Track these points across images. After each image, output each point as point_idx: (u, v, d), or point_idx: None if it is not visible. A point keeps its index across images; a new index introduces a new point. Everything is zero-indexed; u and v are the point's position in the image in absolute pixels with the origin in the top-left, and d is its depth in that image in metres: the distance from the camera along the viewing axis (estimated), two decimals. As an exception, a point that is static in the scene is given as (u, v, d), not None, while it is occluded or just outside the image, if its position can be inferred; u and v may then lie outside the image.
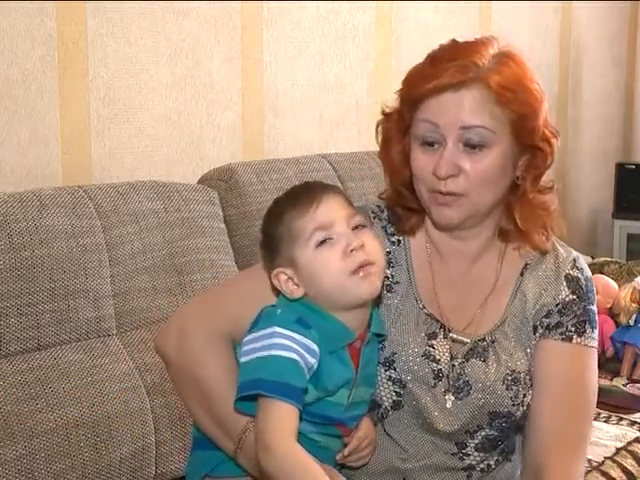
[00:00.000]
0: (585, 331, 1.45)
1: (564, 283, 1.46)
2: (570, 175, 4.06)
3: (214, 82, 2.50)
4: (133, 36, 2.28)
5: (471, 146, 1.34)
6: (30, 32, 2.08)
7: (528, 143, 1.38)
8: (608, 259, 3.26)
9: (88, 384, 1.84)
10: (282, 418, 1.24)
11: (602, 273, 2.96)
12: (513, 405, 1.41)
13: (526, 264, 1.47)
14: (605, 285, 2.76)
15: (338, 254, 1.29)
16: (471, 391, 1.41)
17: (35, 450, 1.73)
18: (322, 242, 1.30)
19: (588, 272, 1.50)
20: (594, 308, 1.48)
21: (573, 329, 1.44)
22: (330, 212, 1.31)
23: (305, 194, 1.33)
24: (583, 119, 4.08)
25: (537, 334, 1.45)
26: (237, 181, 2.31)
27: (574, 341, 1.44)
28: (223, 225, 2.24)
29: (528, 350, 1.44)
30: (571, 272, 1.47)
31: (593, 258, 3.36)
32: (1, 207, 1.82)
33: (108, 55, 2.23)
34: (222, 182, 2.32)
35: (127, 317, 1.98)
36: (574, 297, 1.46)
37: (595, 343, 1.47)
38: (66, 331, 1.87)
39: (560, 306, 1.45)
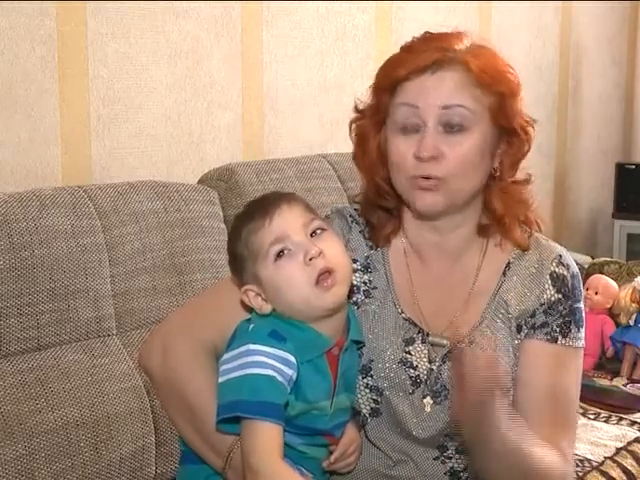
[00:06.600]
0: (570, 331, 1.42)
1: (549, 282, 1.42)
2: (570, 175, 4.06)
3: (214, 82, 2.50)
4: (133, 36, 2.28)
5: (451, 126, 1.33)
6: (30, 32, 2.07)
7: (506, 126, 1.37)
8: (608, 259, 3.26)
9: (88, 384, 1.84)
10: (266, 438, 1.23)
11: (602, 273, 2.95)
12: None
13: (508, 263, 1.44)
14: (605, 285, 2.76)
15: (298, 265, 1.28)
16: (449, 395, 1.38)
17: (35, 450, 1.73)
18: (280, 254, 1.29)
19: (574, 268, 1.46)
20: (580, 306, 1.45)
21: (558, 329, 1.42)
22: (284, 223, 1.30)
23: (259, 209, 1.33)
24: (583, 119, 4.08)
25: (522, 334, 1.42)
26: (237, 181, 2.31)
27: (559, 342, 1.42)
28: (223, 225, 2.24)
29: (510, 349, 1.42)
30: (556, 270, 1.43)
31: (593, 258, 3.36)
32: (1, 207, 1.82)
33: (108, 55, 2.23)
34: (222, 182, 2.31)
35: (127, 317, 1.97)
36: (559, 296, 1.42)
37: (580, 343, 1.44)
38: (66, 331, 1.86)
39: (545, 306, 1.42)
